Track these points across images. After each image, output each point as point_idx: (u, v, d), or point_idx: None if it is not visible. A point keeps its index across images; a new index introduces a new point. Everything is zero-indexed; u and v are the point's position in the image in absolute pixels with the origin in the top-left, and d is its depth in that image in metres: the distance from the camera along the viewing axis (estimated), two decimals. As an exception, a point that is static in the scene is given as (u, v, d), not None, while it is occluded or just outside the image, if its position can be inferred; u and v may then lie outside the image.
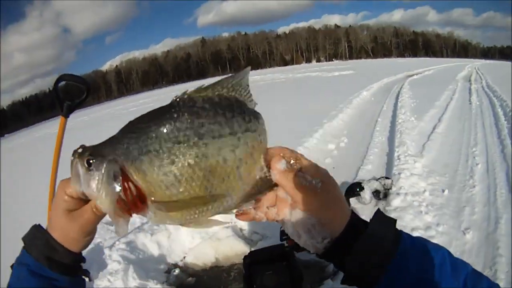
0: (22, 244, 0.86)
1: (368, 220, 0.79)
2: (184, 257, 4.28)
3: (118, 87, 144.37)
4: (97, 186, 0.72)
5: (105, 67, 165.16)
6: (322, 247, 0.78)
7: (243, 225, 4.68)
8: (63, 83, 2.34)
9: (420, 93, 14.72)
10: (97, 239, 4.34)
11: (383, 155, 6.56)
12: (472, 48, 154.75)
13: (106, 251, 4.11)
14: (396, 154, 6.54)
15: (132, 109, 27.47)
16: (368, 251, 0.74)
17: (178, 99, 0.70)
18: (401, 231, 0.78)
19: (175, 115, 0.68)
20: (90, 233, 0.86)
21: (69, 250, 0.84)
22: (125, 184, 0.71)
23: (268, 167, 0.78)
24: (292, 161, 0.79)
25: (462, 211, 4.44)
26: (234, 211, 0.80)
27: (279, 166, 0.77)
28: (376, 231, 0.76)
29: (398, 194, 4.81)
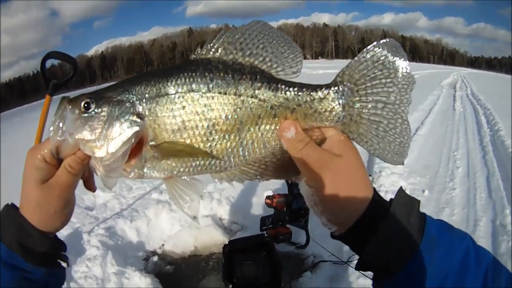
0: None
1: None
2: (163, 245, 4.23)
3: (102, 73, 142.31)
4: (102, 126, 0.70)
5: (91, 52, 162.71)
6: (333, 229, 0.73)
7: (223, 214, 4.66)
8: (50, 61, 2.28)
9: (404, 96, 14.89)
10: (75, 224, 4.24)
11: (365, 153, 6.60)
12: (459, 56, 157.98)
13: (85, 237, 4.02)
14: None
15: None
16: (388, 243, 0.68)
17: (197, 58, 0.76)
18: (425, 215, 0.72)
19: (193, 68, 0.74)
20: (69, 203, 0.78)
21: (45, 234, 0.76)
22: None
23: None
24: (314, 133, 0.75)
25: (442, 211, 4.51)
26: (229, 181, 0.78)
27: (286, 134, 0.73)
28: (398, 220, 0.69)
29: (378, 191, 4.83)
